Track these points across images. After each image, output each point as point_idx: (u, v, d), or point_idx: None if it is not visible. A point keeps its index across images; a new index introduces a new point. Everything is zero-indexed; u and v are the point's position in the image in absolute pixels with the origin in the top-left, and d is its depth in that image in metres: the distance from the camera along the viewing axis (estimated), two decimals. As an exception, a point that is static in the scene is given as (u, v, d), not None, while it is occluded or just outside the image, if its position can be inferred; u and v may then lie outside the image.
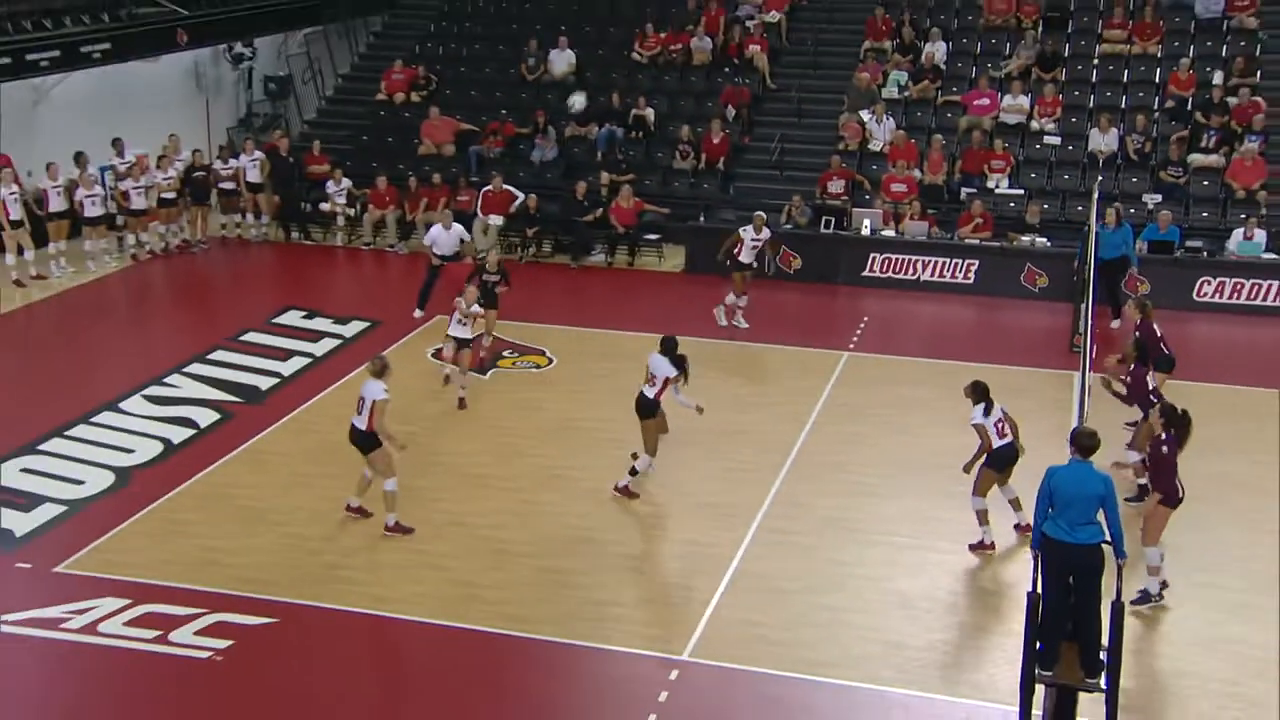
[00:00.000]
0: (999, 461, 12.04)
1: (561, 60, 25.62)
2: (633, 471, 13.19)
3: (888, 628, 10.96)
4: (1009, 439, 12.03)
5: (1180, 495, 10.99)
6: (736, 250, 18.25)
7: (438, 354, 16.41)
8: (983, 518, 12.18)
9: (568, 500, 13.11)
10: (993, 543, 12.16)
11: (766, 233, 18.43)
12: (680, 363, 13.03)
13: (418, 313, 18.55)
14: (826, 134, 23.59)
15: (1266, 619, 11.01)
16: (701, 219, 22.17)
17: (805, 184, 22.12)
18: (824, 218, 21.26)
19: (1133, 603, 10.77)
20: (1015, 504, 12.36)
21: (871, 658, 10.51)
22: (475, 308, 15.35)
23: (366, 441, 12.15)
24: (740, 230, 18.38)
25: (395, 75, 25.86)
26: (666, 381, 12.97)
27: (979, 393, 12.02)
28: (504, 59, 26.34)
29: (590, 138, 24.03)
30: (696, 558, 12.03)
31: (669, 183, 23.29)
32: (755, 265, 18.46)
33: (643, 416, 13.00)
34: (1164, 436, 11.08)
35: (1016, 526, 12.37)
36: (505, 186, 22.31)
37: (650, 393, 12.93)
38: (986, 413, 11.98)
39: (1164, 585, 11.24)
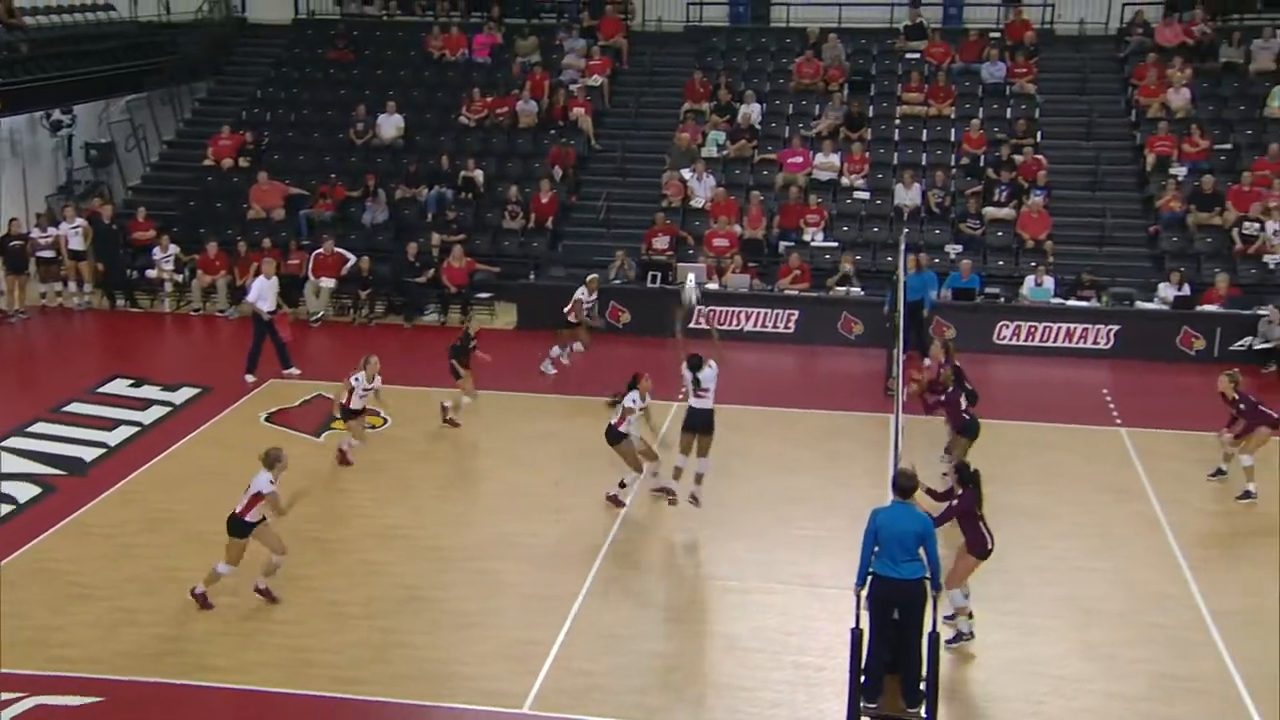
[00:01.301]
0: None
1: (390, 124, 25.42)
2: (622, 484, 14.06)
3: (720, 670, 10.99)
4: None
5: (989, 546, 11.08)
6: (570, 311, 18.46)
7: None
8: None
9: (406, 559, 12.83)
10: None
11: (595, 296, 18.99)
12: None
13: (249, 377, 18.03)
14: (650, 192, 23.91)
15: (1060, 639, 11.38)
16: (532, 277, 22.16)
17: (631, 241, 22.36)
18: (650, 273, 21.48)
19: (948, 642, 10.94)
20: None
21: (704, 700, 10.51)
22: (377, 379, 15.25)
23: (241, 528, 11.66)
24: (577, 292, 18.60)
25: (222, 141, 25.25)
26: (625, 411, 13.73)
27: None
28: (332, 124, 26.00)
29: (420, 200, 23.84)
30: (535, 609, 11.88)
31: (499, 242, 23.25)
32: (589, 322, 18.83)
33: (612, 443, 13.84)
34: (960, 493, 11.13)
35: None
36: (337, 249, 21.94)
37: (613, 421, 13.78)
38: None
39: (969, 617, 11.43)
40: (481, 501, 14.58)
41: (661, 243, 22.21)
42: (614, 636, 11.41)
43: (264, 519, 11.75)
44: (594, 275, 19.34)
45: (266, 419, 16.61)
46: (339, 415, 15.25)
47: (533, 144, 25.24)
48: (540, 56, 26.87)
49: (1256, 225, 21.44)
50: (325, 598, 11.99)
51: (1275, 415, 14.39)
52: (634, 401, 13.85)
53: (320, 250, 21.86)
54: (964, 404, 13.79)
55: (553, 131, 25.29)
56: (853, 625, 9.37)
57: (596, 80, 26.27)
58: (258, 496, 11.57)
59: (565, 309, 18.50)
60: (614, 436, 13.88)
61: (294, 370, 18.39)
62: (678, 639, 11.49)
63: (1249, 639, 11.26)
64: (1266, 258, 21.15)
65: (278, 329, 18.32)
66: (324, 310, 21.81)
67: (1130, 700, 10.45)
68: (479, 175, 24.13)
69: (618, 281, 21.32)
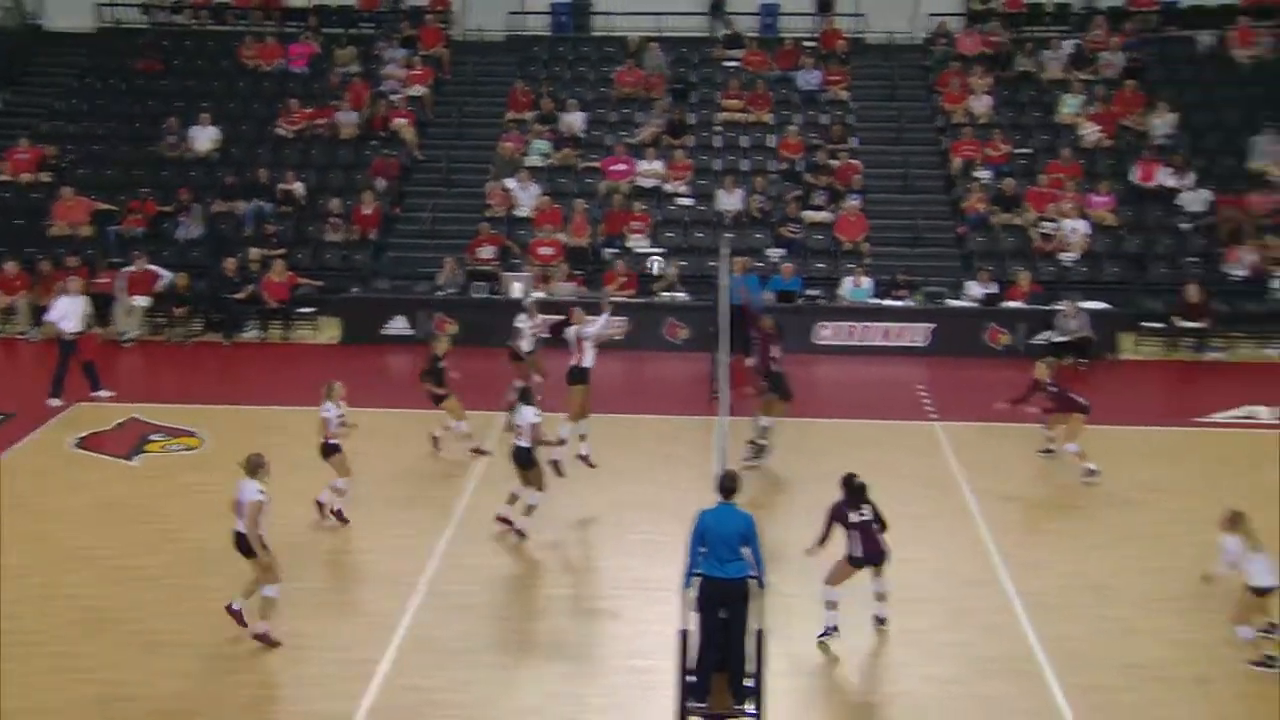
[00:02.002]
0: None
1: (204, 137, 24.71)
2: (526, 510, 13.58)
3: (556, 678, 11.00)
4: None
5: (855, 554, 11.37)
6: (516, 340, 17.31)
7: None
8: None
9: (229, 584, 12.44)
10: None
11: (540, 318, 17.52)
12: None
13: (54, 401, 17.26)
14: (475, 202, 23.83)
15: (865, 630, 11.75)
16: (356, 290, 21.81)
17: (456, 251, 22.22)
18: (475, 282, 21.41)
19: (819, 636, 11.34)
20: None
21: (541, 709, 10.53)
22: (343, 405, 13.88)
23: (248, 546, 11.13)
24: (515, 321, 17.46)
25: (20, 155, 24.18)
26: (534, 428, 13.29)
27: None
28: (141, 136, 25.10)
29: (238, 214, 23.21)
30: (364, 627, 11.70)
31: (321, 255, 22.82)
32: (533, 351, 17.38)
33: (522, 466, 13.44)
34: (840, 499, 11.47)
35: None
36: (149, 266, 21.20)
37: (523, 444, 13.34)
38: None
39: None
40: (306, 521, 14.24)
41: (487, 252, 22.15)
42: (447, 651, 11.32)
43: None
44: (532, 299, 18.03)
45: (77, 444, 15.93)
46: (323, 455, 13.74)
47: (354, 155, 24.86)
48: (360, 66, 26.49)
49: (1053, 224, 22.60)
50: (143, 628, 11.56)
51: (1084, 402, 15.18)
52: (537, 415, 13.44)
53: (131, 268, 21.08)
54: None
55: (374, 142, 24.97)
56: (680, 627, 9.53)
57: (418, 90, 26.03)
58: (254, 505, 11.06)
59: (515, 342, 17.27)
60: (522, 459, 13.44)
61: (104, 393, 17.67)
62: (512, 649, 11.47)
63: (1051, 619, 11.85)
64: (1063, 255, 22.31)
65: (83, 350, 17.56)
66: (137, 329, 21.03)
67: (944, 682, 10.88)
68: (299, 188, 23.64)
69: (446, 292, 21.19)
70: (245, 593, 11.40)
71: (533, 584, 12.74)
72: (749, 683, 9.50)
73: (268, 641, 11.21)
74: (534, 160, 24.48)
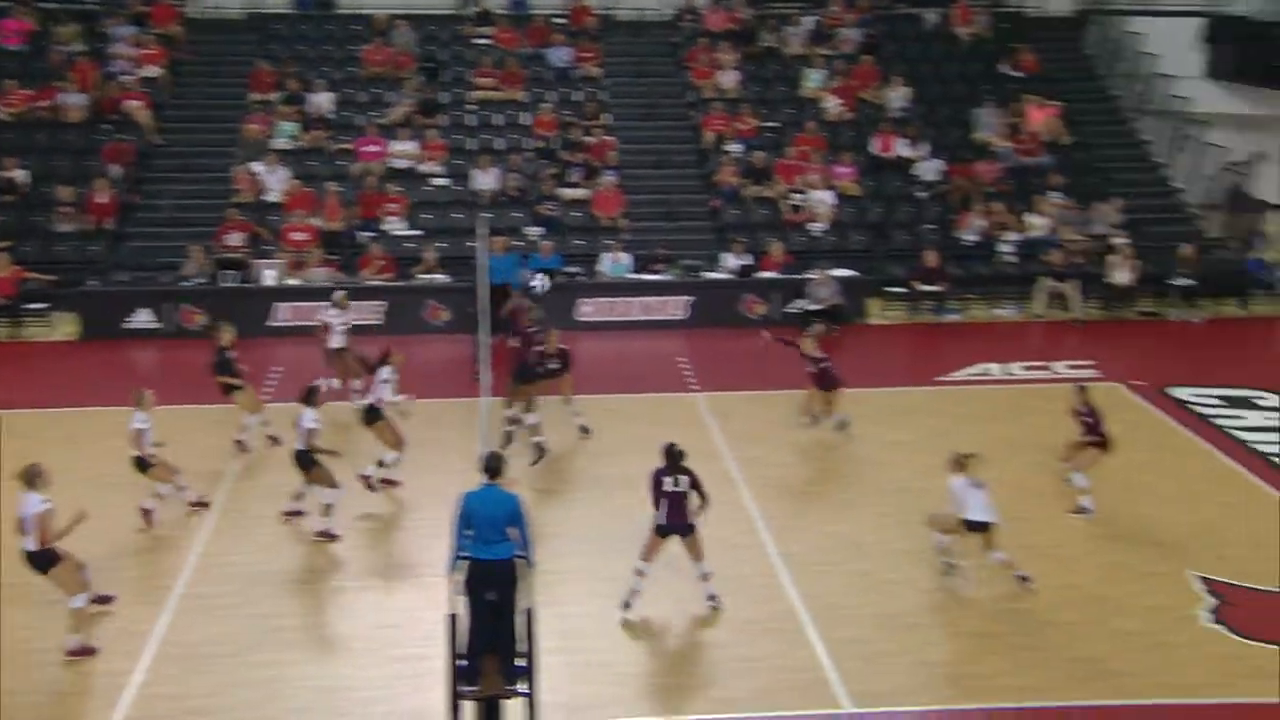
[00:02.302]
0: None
1: (-91, 121, 22.78)
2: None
3: (324, 674, 10.77)
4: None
5: (660, 522, 11.59)
6: (325, 335, 16.79)
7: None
8: None
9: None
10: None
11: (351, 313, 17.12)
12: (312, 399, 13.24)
13: None
14: (220, 187, 22.86)
15: (653, 599, 11.92)
16: (94, 282, 20.61)
17: (203, 239, 21.29)
18: (224, 271, 20.57)
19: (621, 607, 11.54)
20: None
21: (310, 708, 10.27)
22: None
23: (43, 562, 10.65)
24: (323, 315, 16.95)
25: None
26: (310, 434, 13.02)
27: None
28: None
29: (-48, 203, 21.57)
30: (115, 636, 11.12)
31: (52, 246, 21.44)
32: (345, 347, 16.98)
33: (303, 468, 13.19)
34: (659, 467, 11.66)
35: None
36: None
37: (301, 446, 13.08)
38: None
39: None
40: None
41: (235, 239, 21.30)
42: (206, 656, 10.90)
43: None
44: (339, 291, 17.36)
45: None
46: (138, 469, 13.24)
47: (84, 139, 23.41)
48: (85, 45, 24.91)
49: (801, 196, 23.43)
50: None
51: (839, 382, 15.70)
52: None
53: None
54: None
55: (106, 126, 23.57)
56: (448, 611, 9.45)
57: (153, 71, 24.71)
58: (39, 520, 10.53)
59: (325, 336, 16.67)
60: (304, 462, 13.22)
61: None
62: (275, 648, 11.13)
63: (811, 578, 12.36)
64: (812, 225, 23.18)
65: None
66: None
67: (716, 647, 11.20)
68: (20, 175, 22.10)
69: (197, 280, 20.32)
70: (71, 628, 10.80)
71: (298, 580, 12.37)
72: (521, 663, 9.51)
73: (86, 653, 10.78)
74: (281, 143, 23.65)
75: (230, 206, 21.91)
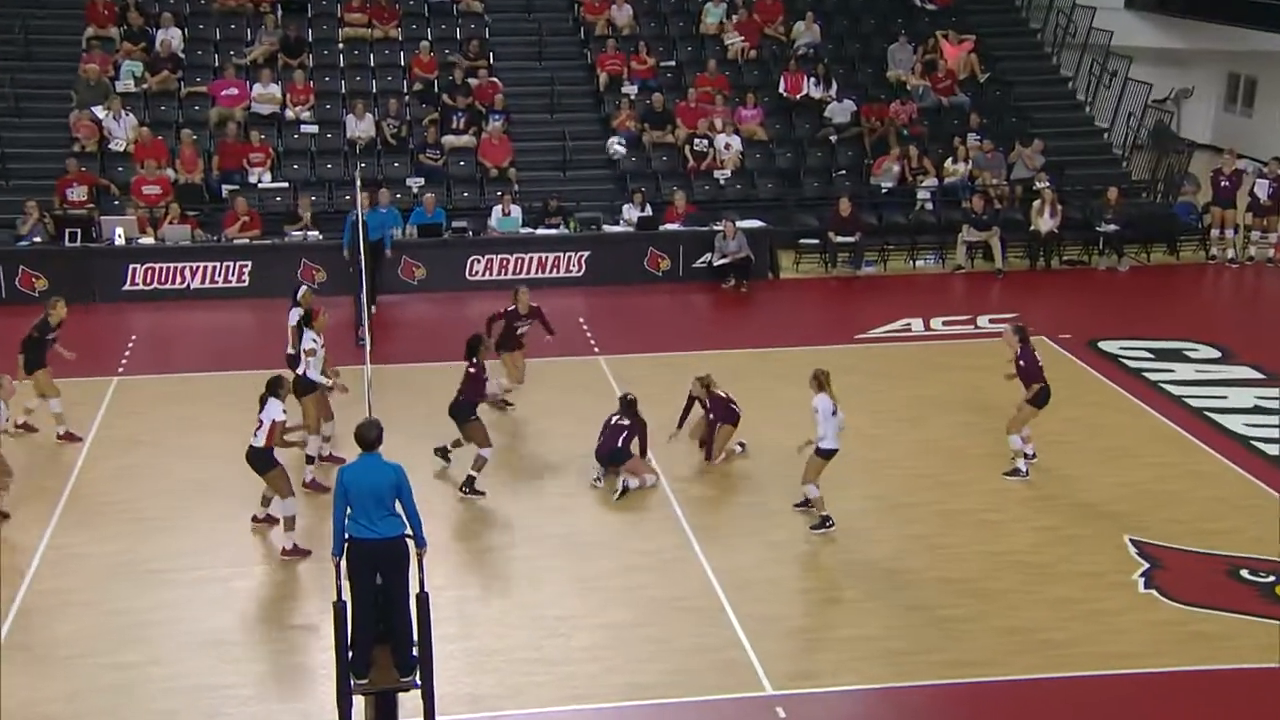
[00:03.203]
0: None
1: None
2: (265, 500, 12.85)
3: (195, 671, 10.53)
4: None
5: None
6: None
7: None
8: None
9: None
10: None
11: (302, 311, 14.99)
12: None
13: None
14: (58, 135, 22.07)
15: (555, 578, 11.99)
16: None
17: (41, 193, 20.55)
18: (67, 230, 19.87)
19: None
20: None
21: (178, 711, 10.04)
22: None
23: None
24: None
25: None
26: (275, 426, 12.34)
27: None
28: None
29: None
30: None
31: None
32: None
33: (258, 471, 12.47)
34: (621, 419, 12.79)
35: None
36: None
37: (257, 443, 12.32)
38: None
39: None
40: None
41: (79, 194, 20.58)
42: (59, 658, 10.59)
43: None
44: (305, 288, 15.59)
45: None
46: None
47: (-108, 81, 22.42)
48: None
49: (705, 141, 23.41)
50: None
51: (738, 412, 15.44)
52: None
53: None
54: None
55: (-82, 65, 22.60)
56: (335, 598, 9.27)
57: (-33, -1, 23.70)
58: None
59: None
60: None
61: None
62: (140, 645, 10.85)
63: (724, 551, 12.42)
64: (717, 173, 23.19)
65: None
66: None
67: (627, 628, 11.19)
68: None
69: (30, 241, 19.62)
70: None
71: (156, 569, 12.04)
72: (415, 652, 9.37)
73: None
74: (126, 85, 22.86)
75: (70, 156, 21.14)
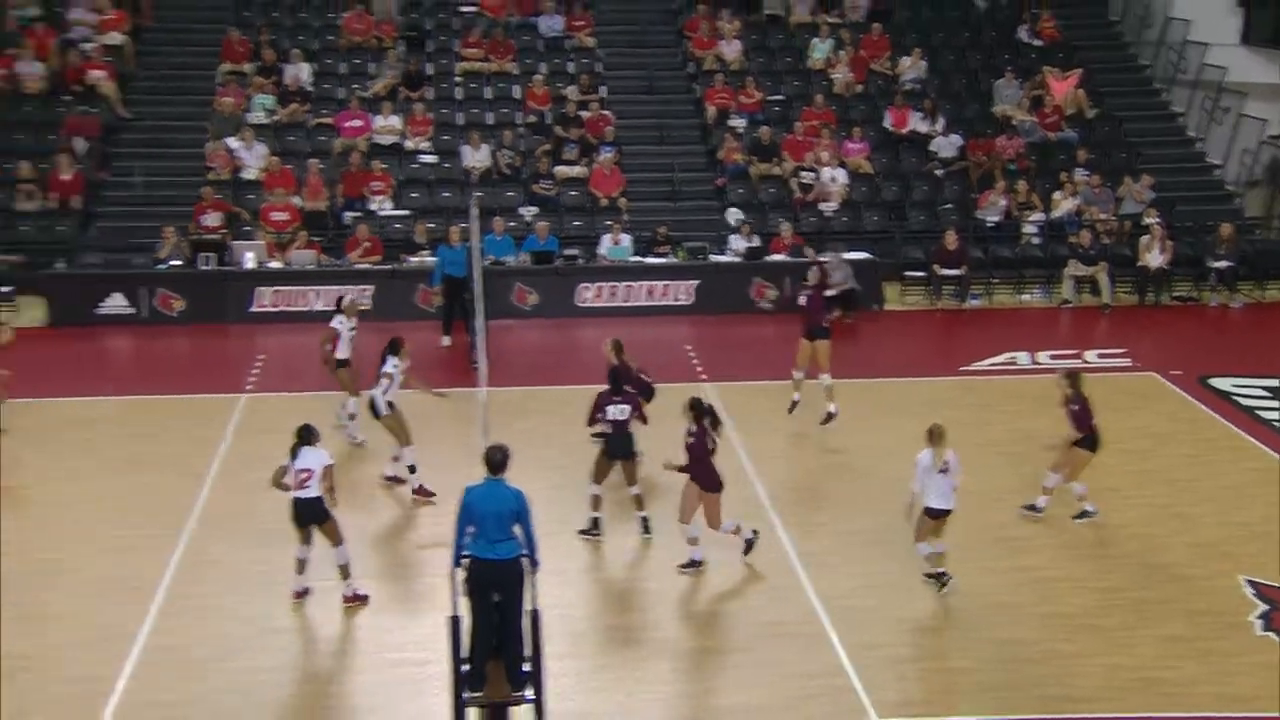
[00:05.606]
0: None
1: None
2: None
3: (316, 678, 10.78)
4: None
5: (721, 482, 12.22)
6: (333, 347, 15.34)
7: None
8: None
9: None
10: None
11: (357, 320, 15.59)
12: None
13: None
14: (194, 164, 22.80)
15: (658, 601, 12.00)
16: (61, 265, 20.54)
17: (178, 219, 21.22)
18: (201, 254, 20.49)
19: (681, 566, 12.32)
20: None
21: (301, 712, 10.25)
22: None
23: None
24: (332, 322, 15.49)
25: None
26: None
27: None
28: None
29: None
30: (96, 641, 11.08)
31: (14, 226, 21.37)
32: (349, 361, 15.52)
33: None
34: (694, 429, 12.18)
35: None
36: None
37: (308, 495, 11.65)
38: None
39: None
40: (18, 526, 13.36)
41: (212, 220, 21.23)
42: (192, 660, 10.88)
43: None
44: (350, 297, 15.98)
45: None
46: None
47: (44, 112, 23.28)
48: (41, 10, 24.74)
49: (812, 174, 23.39)
50: None
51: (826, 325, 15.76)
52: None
53: None
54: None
55: (67, 98, 23.43)
56: (450, 613, 9.42)
57: (115, 39, 24.55)
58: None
59: (331, 347, 15.30)
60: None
61: None
62: (265, 652, 11.11)
63: (830, 578, 12.34)
64: (823, 205, 23.14)
65: None
66: None
67: (727, 653, 11.19)
68: (-22, 151, 22.02)
69: (172, 263, 20.32)
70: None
71: (280, 580, 12.30)
72: (527, 667, 9.49)
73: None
74: (257, 117, 23.55)
75: (205, 185, 21.81)
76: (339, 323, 15.32)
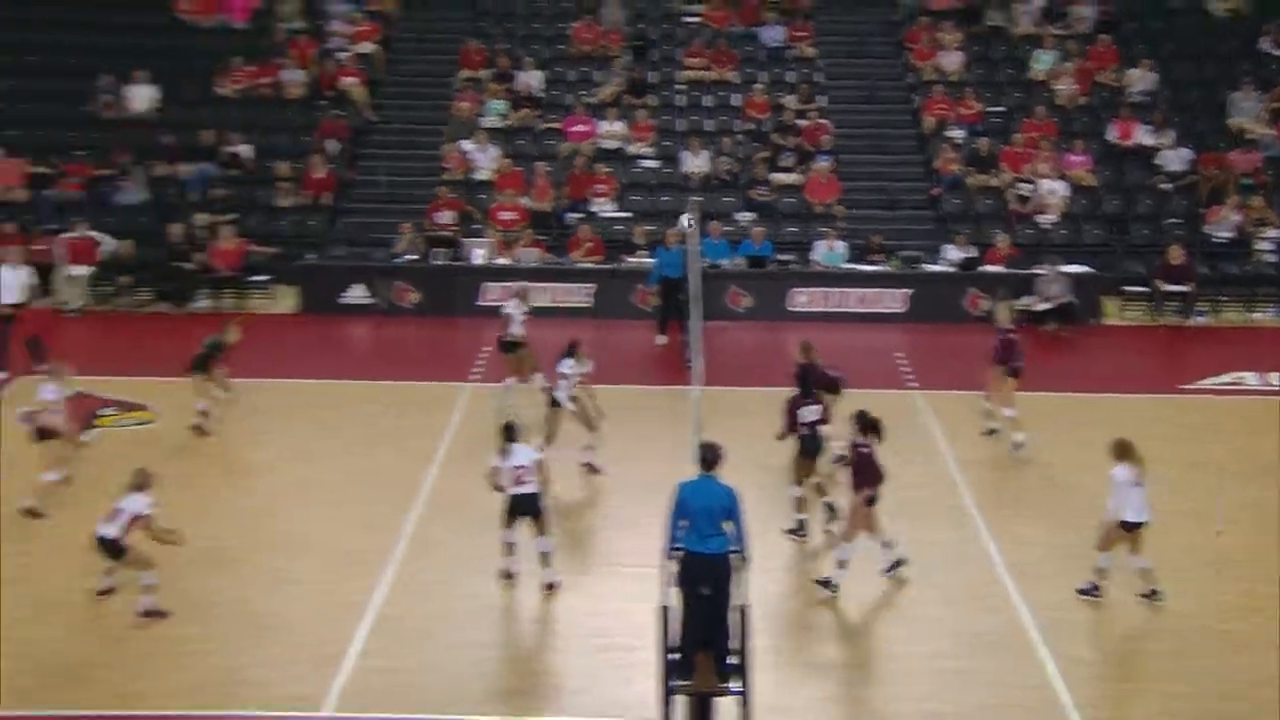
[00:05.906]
0: None
1: (140, 95, 24.36)
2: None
3: (531, 659, 11.18)
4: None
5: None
6: (504, 327, 16.33)
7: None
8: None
9: (188, 562, 12.41)
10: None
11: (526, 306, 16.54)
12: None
13: (-1, 373, 17.11)
14: (431, 165, 23.72)
15: (864, 603, 11.96)
16: (312, 257, 21.71)
17: (414, 217, 22.13)
18: (434, 249, 21.36)
19: (820, 581, 12.08)
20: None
21: (515, 690, 10.61)
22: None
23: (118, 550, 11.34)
24: (505, 308, 16.50)
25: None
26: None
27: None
28: (72, 94, 24.64)
29: (181, 178, 22.96)
30: (331, 609, 11.74)
31: (273, 221, 22.65)
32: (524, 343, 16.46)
33: (531, 515, 12.20)
34: (862, 440, 12.03)
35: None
36: (89, 232, 21.00)
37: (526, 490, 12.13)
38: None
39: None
40: (265, 497, 14.23)
41: (446, 218, 22.08)
42: (421, 631, 11.39)
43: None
44: (522, 283, 17.22)
45: (23, 419, 15.77)
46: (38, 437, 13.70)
47: (302, 116, 24.62)
48: (305, 22, 26.16)
49: (1030, 186, 22.81)
50: (104, 607, 11.55)
51: (1020, 366, 15.22)
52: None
53: (71, 234, 20.86)
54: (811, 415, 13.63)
55: (323, 102, 24.72)
56: (661, 604, 9.62)
57: (367, 48, 25.77)
58: (135, 519, 11.29)
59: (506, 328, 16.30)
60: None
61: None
62: (486, 629, 11.54)
63: (1039, 589, 12.07)
64: (1041, 217, 22.54)
65: (25, 322, 17.36)
66: (80, 299, 20.86)
67: (931, 658, 11.05)
68: (245, 150, 23.41)
69: (408, 257, 21.19)
70: (143, 590, 11.44)
71: (495, 563, 12.76)
72: (734, 660, 9.62)
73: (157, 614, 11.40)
74: (491, 121, 24.36)
75: (441, 184, 22.72)
76: (513, 307, 16.29)
